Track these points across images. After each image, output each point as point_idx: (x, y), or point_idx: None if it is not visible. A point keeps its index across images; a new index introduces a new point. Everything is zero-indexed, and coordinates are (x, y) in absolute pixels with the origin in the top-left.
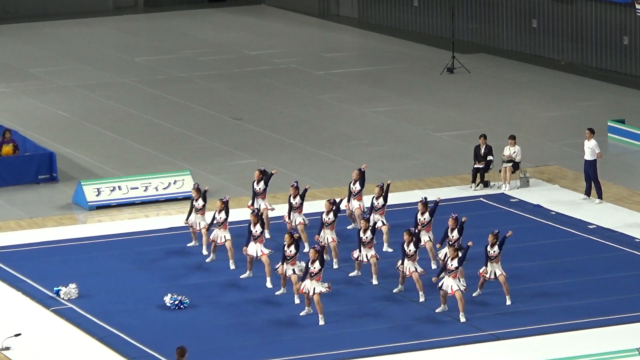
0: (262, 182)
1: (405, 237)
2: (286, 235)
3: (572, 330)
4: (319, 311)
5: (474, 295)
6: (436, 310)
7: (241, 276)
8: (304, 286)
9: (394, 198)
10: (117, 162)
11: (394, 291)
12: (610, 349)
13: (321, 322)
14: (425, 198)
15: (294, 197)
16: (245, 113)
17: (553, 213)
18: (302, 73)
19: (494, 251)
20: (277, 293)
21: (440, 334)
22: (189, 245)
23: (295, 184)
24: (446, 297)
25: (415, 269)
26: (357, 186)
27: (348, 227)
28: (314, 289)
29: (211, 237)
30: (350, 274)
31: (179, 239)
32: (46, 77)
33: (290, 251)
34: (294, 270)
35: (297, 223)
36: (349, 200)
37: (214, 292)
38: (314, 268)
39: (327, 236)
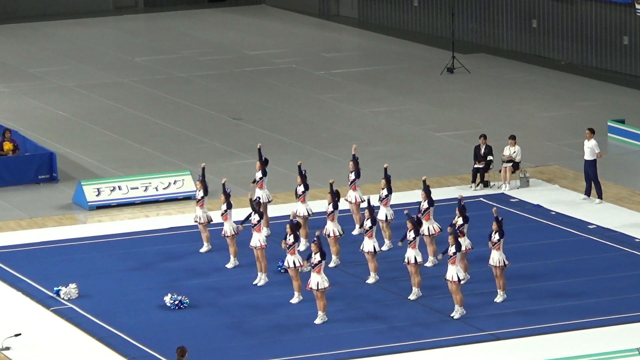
0: (260, 172)
1: (408, 225)
2: (287, 226)
3: (572, 330)
4: (322, 308)
5: (496, 300)
6: (451, 315)
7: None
8: (310, 281)
9: (394, 198)
10: (117, 162)
11: (409, 298)
12: (610, 349)
13: (319, 321)
14: (428, 186)
15: (300, 185)
16: (245, 113)
17: (553, 213)
18: (302, 73)
19: (495, 238)
20: (291, 301)
21: (440, 334)
22: (201, 250)
23: (304, 172)
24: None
25: (415, 259)
26: (352, 176)
27: (353, 233)
28: (317, 283)
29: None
30: (367, 281)
31: (179, 239)
32: (46, 77)
33: (289, 240)
34: (294, 262)
35: (301, 215)
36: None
37: (214, 292)
38: (314, 259)
39: (329, 228)
